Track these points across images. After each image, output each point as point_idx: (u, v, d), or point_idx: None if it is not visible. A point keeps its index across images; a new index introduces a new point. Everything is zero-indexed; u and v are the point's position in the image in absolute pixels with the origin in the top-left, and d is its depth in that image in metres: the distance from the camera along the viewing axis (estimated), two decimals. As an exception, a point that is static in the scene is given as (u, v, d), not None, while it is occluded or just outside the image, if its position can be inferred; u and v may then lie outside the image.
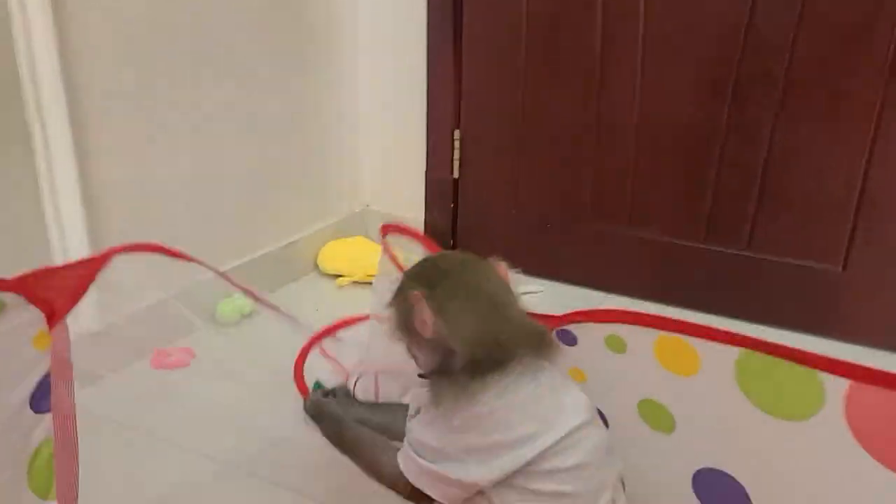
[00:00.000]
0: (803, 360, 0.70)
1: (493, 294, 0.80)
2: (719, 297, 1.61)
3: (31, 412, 0.76)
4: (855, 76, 1.41)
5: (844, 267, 1.51)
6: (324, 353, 1.08)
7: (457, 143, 1.83)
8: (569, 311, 0.87)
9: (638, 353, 0.82)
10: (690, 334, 0.77)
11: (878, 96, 1.39)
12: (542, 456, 0.74)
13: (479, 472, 0.75)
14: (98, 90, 1.29)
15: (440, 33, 1.76)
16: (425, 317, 0.76)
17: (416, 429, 0.81)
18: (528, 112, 1.74)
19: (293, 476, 1.12)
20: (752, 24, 1.46)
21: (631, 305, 1.55)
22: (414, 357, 0.83)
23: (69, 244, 1.27)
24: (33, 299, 0.71)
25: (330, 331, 1.07)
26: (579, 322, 0.86)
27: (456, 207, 1.89)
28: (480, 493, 0.77)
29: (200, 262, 0.87)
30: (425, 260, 0.87)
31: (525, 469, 0.74)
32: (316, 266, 1.86)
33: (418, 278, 0.81)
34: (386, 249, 1.01)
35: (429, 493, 0.78)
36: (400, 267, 0.97)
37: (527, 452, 0.74)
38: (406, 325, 0.80)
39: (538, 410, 0.76)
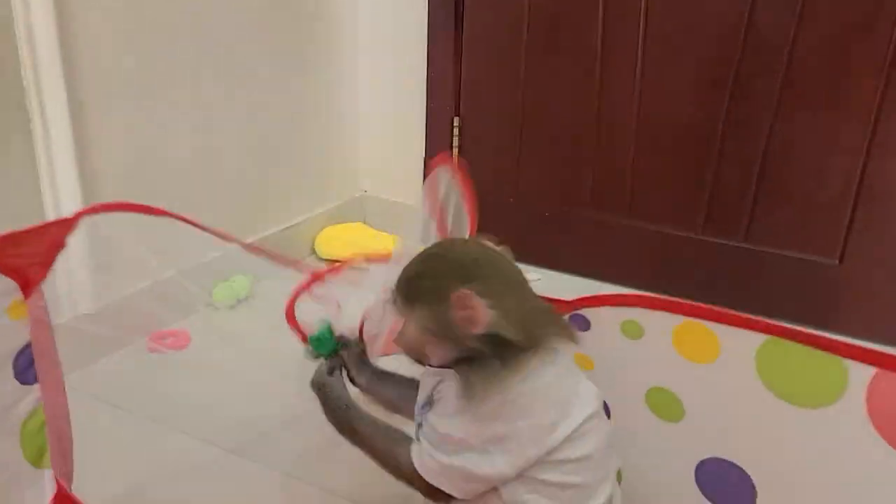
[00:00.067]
0: (829, 347, 0.70)
1: (522, 279, 0.77)
2: (716, 289, 1.61)
3: (16, 383, 0.75)
4: (854, 72, 1.41)
5: (841, 260, 1.52)
6: (318, 299, 1.02)
7: (456, 131, 1.83)
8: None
9: (654, 339, 0.81)
10: (715, 321, 0.76)
11: (877, 92, 1.40)
12: (557, 445, 0.72)
13: (504, 463, 0.72)
14: (97, 77, 1.28)
15: (441, 20, 1.75)
16: (479, 314, 0.71)
17: (436, 421, 0.76)
18: (528, 101, 1.73)
19: (288, 459, 1.12)
20: (753, 21, 1.46)
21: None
22: (424, 356, 0.77)
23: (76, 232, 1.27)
24: (3, 269, 0.69)
25: (321, 275, 1.01)
26: (598, 307, 0.85)
27: (454, 195, 1.89)
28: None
29: (176, 216, 0.83)
30: (435, 254, 0.78)
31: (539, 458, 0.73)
32: (314, 251, 1.85)
33: (447, 275, 0.74)
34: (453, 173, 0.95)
35: (448, 491, 0.75)
36: (470, 195, 0.93)
37: (550, 440, 0.72)
38: (443, 328, 0.73)
39: (559, 396, 0.74)
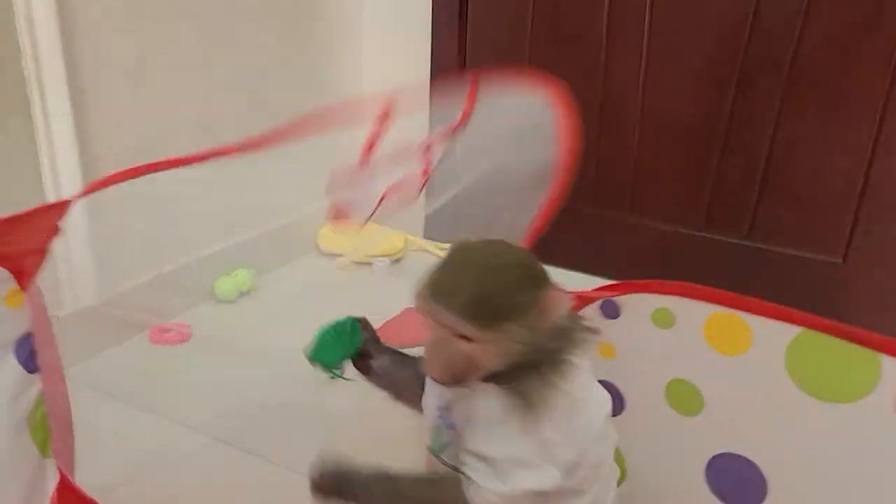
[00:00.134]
0: (864, 341, 0.69)
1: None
2: (718, 286, 1.60)
3: (23, 371, 0.74)
4: (859, 69, 1.41)
5: (845, 259, 1.51)
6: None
7: (459, 126, 1.82)
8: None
9: (685, 329, 0.80)
10: (752, 312, 0.75)
11: (883, 89, 1.39)
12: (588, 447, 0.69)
13: (558, 470, 0.68)
14: (98, 64, 1.28)
15: (445, 19, 1.75)
16: (563, 304, 0.68)
17: (480, 447, 0.70)
18: (532, 95, 1.73)
19: (288, 452, 1.13)
20: (758, 18, 1.45)
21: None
22: (471, 374, 0.68)
23: (68, 218, 1.27)
24: None
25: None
26: (637, 293, 0.83)
27: (456, 189, 1.88)
28: None
29: (169, 163, 0.78)
30: (487, 267, 0.67)
31: None
32: (316, 245, 1.85)
33: (520, 282, 0.67)
34: None
35: None
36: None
37: (591, 446, 0.69)
38: (534, 337, 0.67)
39: (584, 395, 0.71)
